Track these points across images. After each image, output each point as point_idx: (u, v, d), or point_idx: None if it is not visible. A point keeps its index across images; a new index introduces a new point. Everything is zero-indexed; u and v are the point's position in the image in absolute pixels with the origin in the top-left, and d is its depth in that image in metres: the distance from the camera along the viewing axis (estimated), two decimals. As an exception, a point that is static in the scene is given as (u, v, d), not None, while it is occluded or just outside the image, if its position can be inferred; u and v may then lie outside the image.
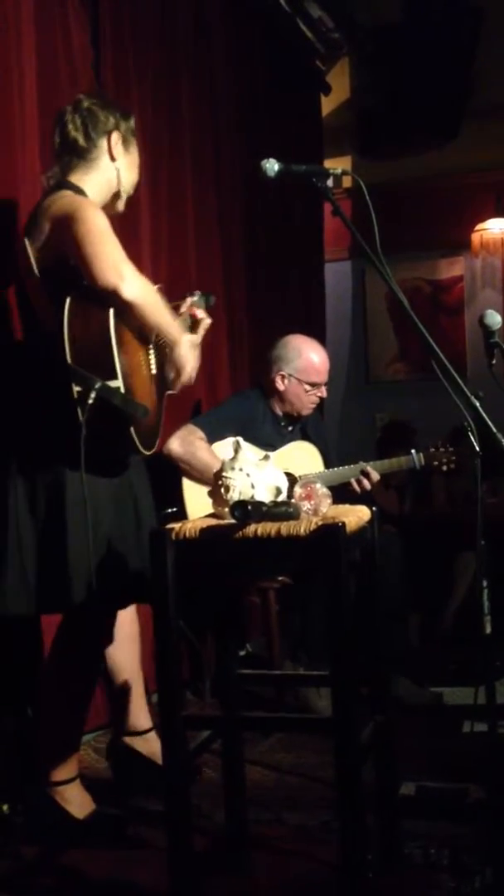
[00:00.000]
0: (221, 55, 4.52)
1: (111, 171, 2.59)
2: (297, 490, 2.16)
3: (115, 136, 2.58)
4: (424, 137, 6.01)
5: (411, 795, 2.65)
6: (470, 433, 2.44)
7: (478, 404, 2.46)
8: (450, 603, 4.99)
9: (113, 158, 2.59)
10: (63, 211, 2.41)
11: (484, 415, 2.47)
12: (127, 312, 2.37)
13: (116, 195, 2.63)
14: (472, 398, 2.47)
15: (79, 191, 2.52)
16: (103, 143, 2.57)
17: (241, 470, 2.17)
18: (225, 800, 2.41)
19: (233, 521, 2.08)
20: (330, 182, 2.76)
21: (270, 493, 2.16)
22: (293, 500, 2.14)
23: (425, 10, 5.78)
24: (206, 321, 2.80)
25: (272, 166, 2.66)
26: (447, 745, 3.14)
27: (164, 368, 2.62)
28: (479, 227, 5.96)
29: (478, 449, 2.44)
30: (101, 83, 3.51)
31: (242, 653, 4.31)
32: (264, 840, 2.48)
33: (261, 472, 2.17)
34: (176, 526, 2.12)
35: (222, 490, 2.15)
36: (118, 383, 2.32)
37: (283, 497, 2.17)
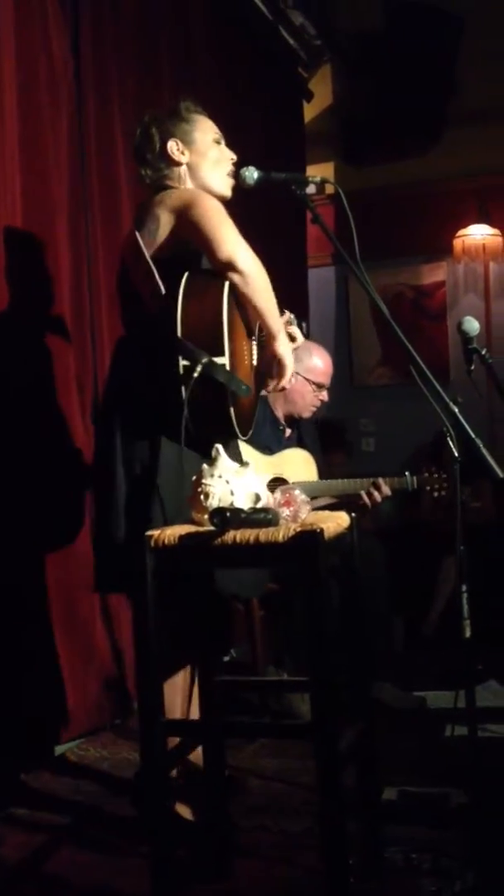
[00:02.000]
0: (203, 62, 4.53)
1: (186, 173, 2.68)
2: (276, 496, 2.17)
3: (172, 144, 2.65)
4: (406, 144, 6.04)
5: (393, 800, 2.66)
6: (449, 439, 2.46)
7: (456, 410, 2.48)
8: (434, 607, 5.01)
9: (178, 164, 2.66)
10: (181, 200, 2.54)
11: (462, 420, 2.48)
12: (239, 297, 2.46)
13: (214, 182, 2.68)
14: (451, 404, 2.48)
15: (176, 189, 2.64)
16: (169, 154, 2.65)
17: (220, 477, 2.18)
18: (208, 806, 2.41)
19: (212, 527, 2.08)
20: (312, 189, 2.78)
21: (250, 499, 2.16)
22: (272, 507, 2.14)
23: (407, 17, 5.80)
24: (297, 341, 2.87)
25: (251, 174, 2.68)
26: (429, 749, 3.15)
27: (263, 364, 2.67)
28: (460, 232, 5.99)
29: (457, 454, 2.46)
30: (81, 89, 3.51)
31: (227, 658, 4.31)
32: (247, 846, 2.48)
33: (240, 479, 2.18)
34: (155, 533, 2.13)
35: (201, 497, 2.16)
36: (224, 360, 2.38)
37: (262, 504, 2.17)
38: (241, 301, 2.50)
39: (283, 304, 2.92)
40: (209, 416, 2.40)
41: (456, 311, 6.08)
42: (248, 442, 2.95)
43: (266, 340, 2.63)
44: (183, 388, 2.35)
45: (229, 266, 2.43)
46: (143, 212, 2.62)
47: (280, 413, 3.72)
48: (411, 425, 5.10)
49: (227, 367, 2.39)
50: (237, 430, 2.46)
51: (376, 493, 3.55)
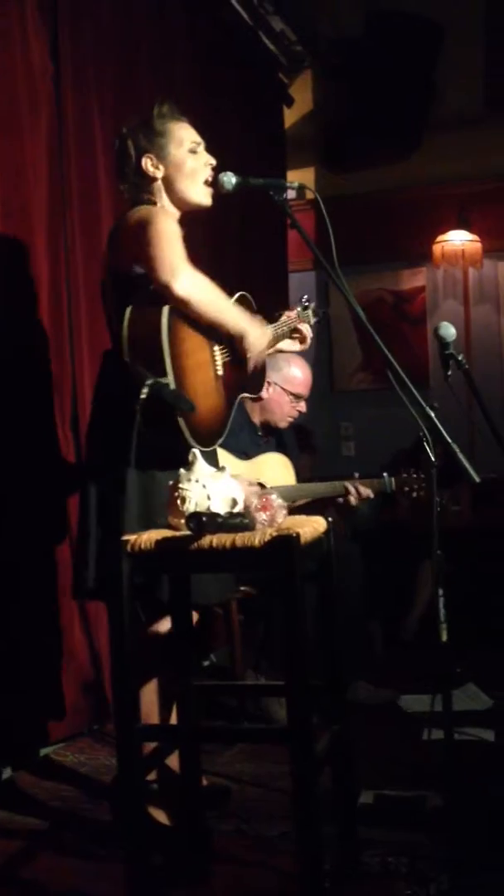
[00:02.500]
0: (183, 67, 4.54)
1: (162, 187, 2.70)
2: (253, 501, 2.17)
3: (145, 161, 2.67)
4: (386, 150, 6.05)
5: (370, 803, 2.67)
6: (426, 443, 2.48)
7: (433, 415, 2.49)
8: (412, 611, 5.03)
9: (154, 179, 2.68)
10: (138, 219, 2.58)
11: (439, 425, 2.50)
12: (184, 311, 2.49)
13: (191, 194, 2.71)
14: (428, 409, 2.50)
15: (150, 204, 2.66)
16: (144, 170, 2.68)
17: (197, 481, 2.18)
18: (184, 811, 2.41)
19: (188, 532, 2.09)
20: (293, 194, 2.80)
21: (226, 504, 2.17)
22: (249, 511, 2.15)
23: (387, 24, 5.84)
24: (307, 334, 2.95)
25: (230, 179, 2.70)
26: (406, 752, 3.16)
27: (234, 369, 2.69)
28: (440, 238, 6.01)
29: (433, 459, 2.48)
30: (60, 95, 3.50)
31: (206, 663, 4.32)
32: (224, 851, 2.48)
33: (217, 484, 2.18)
34: (131, 537, 2.13)
35: (178, 501, 2.16)
36: (168, 380, 2.43)
37: (239, 508, 2.18)
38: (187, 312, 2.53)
39: (263, 308, 2.94)
40: (164, 433, 2.45)
41: (436, 316, 6.11)
42: (225, 447, 2.96)
43: (236, 344, 2.65)
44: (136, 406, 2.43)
45: (166, 291, 2.45)
46: (115, 227, 2.66)
47: (257, 420, 3.72)
48: (391, 430, 5.11)
49: (172, 386, 2.42)
50: (193, 442, 2.47)
51: (361, 488, 3.55)
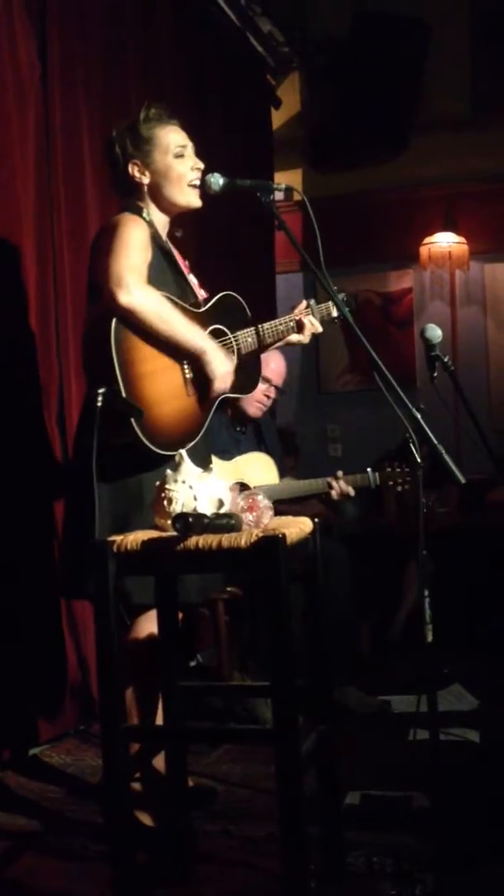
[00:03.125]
0: (171, 68, 4.54)
1: (148, 192, 2.73)
2: (239, 502, 2.18)
3: (132, 167, 2.71)
4: (374, 151, 6.08)
5: (356, 804, 2.67)
6: (412, 445, 2.48)
7: (419, 416, 2.50)
8: (399, 612, 5.04)
9: (142, 184, 2.71)
10: (107, 227, 2.63)
11: (425, 427, 2.50)
12: (132, 322, 2.52)
13: (178, 199, 2.73)
14: (414, 410, 2.50)
15: (135, 208, 2.69)
16: (131, 176, 2.72)
17: (183, 482, 2.18)
18: (170, 811, 2.41)
19: (174, 533, 2.09)
20: (280, 195, 2.81)
21: (213, 505, 2.17)
22: (235, 512, 2.15)
23: (374, 25, 5.86)
24: (310, 327, 2.97)
25: (217, 181, 2.71)
26: (393, 753, 3.17)
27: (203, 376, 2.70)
28: (427, 240, 6.03)
29: (419, 460, 2.48)
30: (47, 94, 3.50)
31: (193, 664, 4.31)
32: (209, 852, 2.48)
33: (203, 484, 2.18)
34: (118, 538, 2.13)
35: (164, 502, 2.16)
36: (118, 387, 2.47)
37: (225, 509, 2.18)
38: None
39: (251, 309, 2.94)
40: (123, 438, 2.49)
41: (423, 317, 6.13)
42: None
43: (196, 361, 2.66)
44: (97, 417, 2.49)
45: (111, 300, 2.49)
46: (96, 233, 2.72)
47: (228, 412, 3.70)
48: (378, 431, 5.11)
49: (123, 394, 2.46)
50: (150, 445, 2.50)
51: (343, 484, 3.55)
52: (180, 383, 2.64)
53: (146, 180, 2.71)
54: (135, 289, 2.49)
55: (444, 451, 2.56)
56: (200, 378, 2.67)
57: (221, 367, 2.67)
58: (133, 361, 2.52)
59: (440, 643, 2.44)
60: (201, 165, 2.76)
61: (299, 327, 2.97)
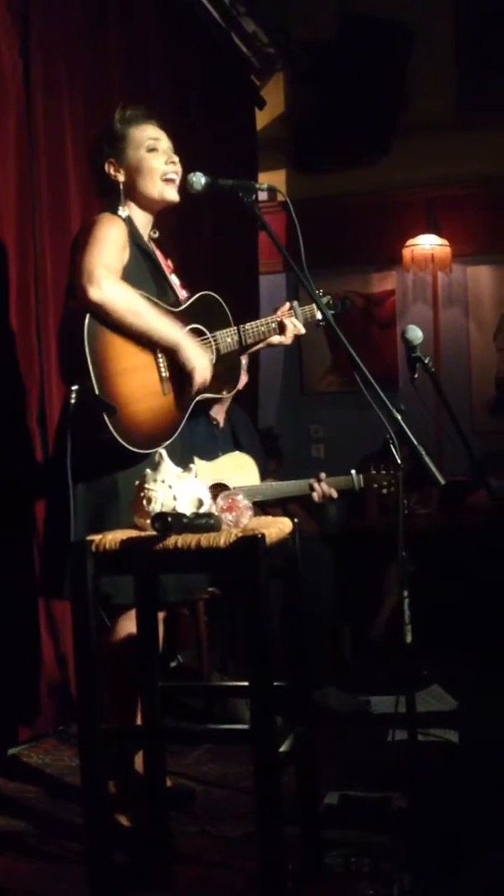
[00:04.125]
0: (154, 67, 4.53)
1: (124, 190, 2.74)
2: (219, 502, 2.17)
3: (108, 167, 2.73)
4: (357, 153, 6.08)
5: (334, 804, 2.67)
6: (392, 446, 2.49)
7: (399, 418, 2.51)
8: (381, 613, 5.04)
9: (118, 182, 2.73)
10: (84, 226, 2.67)
11: (406, 428, 2.51)
12: (105, 318, 2.52)
13: (153, 192, 2.73)
14: (395, 411, 2.51)
15: (113, 208, 2.70)
16: (107, 174, 2.74)
17: (163, 482, 2.18)
18: (148, 812, 2.40)
19: (154, 532, 2.08)
20: (264, 195, 2.81)
21: (192, 504, 2.17)
22: (214, 512, 2.15)
23: (359, 27, 5.87)
24: (291, 328, 2.96)
25: (199, 180, 2.70)
26: (372, 753, 3.17)
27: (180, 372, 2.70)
28: (409, 242, 6.04)
29: (399, 461, 2.49)
30: (30, 92, 3.49)
31: (173, 664, 4.31)
32: (187, 852, 2.48)
33: (183, 484, 2.18)
34: (96, 538, 2.12)
35: (144, 502, 2.16)
36: (91, 383, 2.47)
37: (205, 509, 2.18)
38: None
39: (233, 310, 2.94)
40: (97, 435, 2.49)
41: (405, 319, 6.14)
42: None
43: (172, 356, 2.66)
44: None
45: (82, 297, 2.50)
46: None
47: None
48: (361, 432, 5.12)
49: (97, 390, 2.47)
50: (124, 443, 2.50)
51: (324, 486, 3.55)
52: (156, 381, 2.63)
53: (121, 178, 2.73)
54: (105, 284, 2.49)
55: (424, 453, 2.57)
56: (178, 376, 2.66)
57: (199, 360, 2.66)
58: (107, 359, 2.52)
59: (420, 644, 2.45)
60: (176, 159, 2.76)
61: (281, 329, 2.97)
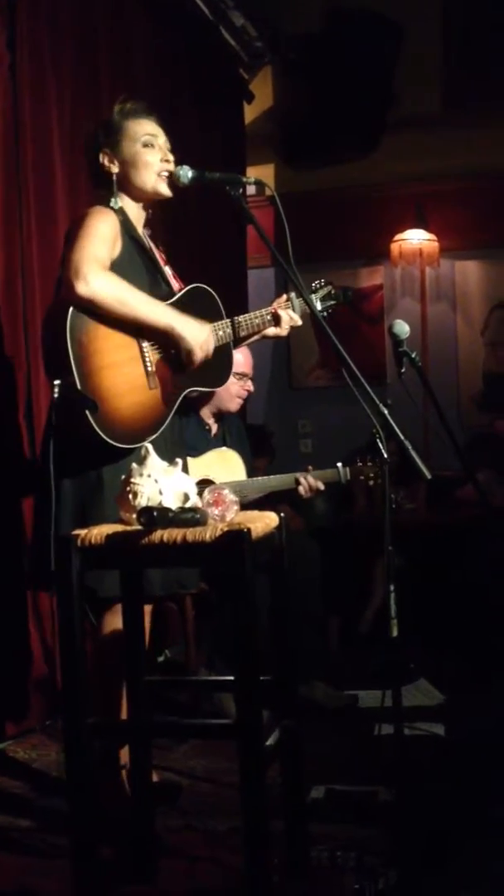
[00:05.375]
0: (142, 60, 4.51)
1: (118, 182, 2.73)
2: (205, 496, 2.17)
3: (102, 157, 2.73)
4: (345, 147, 6.08)
5: (320, 798, 2.67)
6: (378, 440, 2.49)
7: (386, 412, 2.51)
8: (369, 606, 5.05)
9: (112, 173, 2.72)
10: (75, 219, 2.66)
11: (392, 422, 2.51)
12: (93, 311, 2.51)
13: (146, 186, 2.73)
14: (381, 406, 2.51)
15: (105, 200, 2.70)
16: (101, 165, 2.74)
17: (149, 476, 2.17)
18: (133, 807, 2.40)
19: (139, 527, 2.08)
20: (252, 189, 2.80)
21: (178, 499, 2.16)
22: (201, 506, 2.14)
23: (347, 22, 5.86)
24: (287, 320, 2.96)
25: (186, 173, 2.71)
26: (358, 747, 3.18)
27: (173, 362, 2.68)
28: (398, 237, 6.04)
29: (385, 456, 2.49)
30: (17, 85, 3.47)
31: (161, 658, 4.31)
32: (173, 847, 2.48)
33: (169, 479, 2.17)
34: (81, 532, 2.11)
35: (130, 496, 2.15)
36: (73, 378, 2.46)
37: (191, 503, 2.17)
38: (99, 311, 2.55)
39: (222, 304, 2.93)
40: (80, 430, 2.48)
41: (393, 314, 6.13)
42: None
43: (168, 338, 2.65)
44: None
45: (70, 291, 2.49)
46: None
47: (207, 411, 3.70)
48: (349, 427, 5.12)
49: (79, 385, 2.46)
50: (107, 438, 2.50)
51: (311, 480, 3.55)
52: (142, 376, 2.62)
53: (115, 169, 2.72)
54: (92, 278, 2.48)
55: (410, 447, 2.58)
56: (163, 369, 2.65)
57: (197, 336, 2.66)
58: (91, 353, 2.51)
59: (407, 638, 2.46)
60: (171, 157, 2.75)
61: (276, 320, 2.96)
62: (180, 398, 2.71)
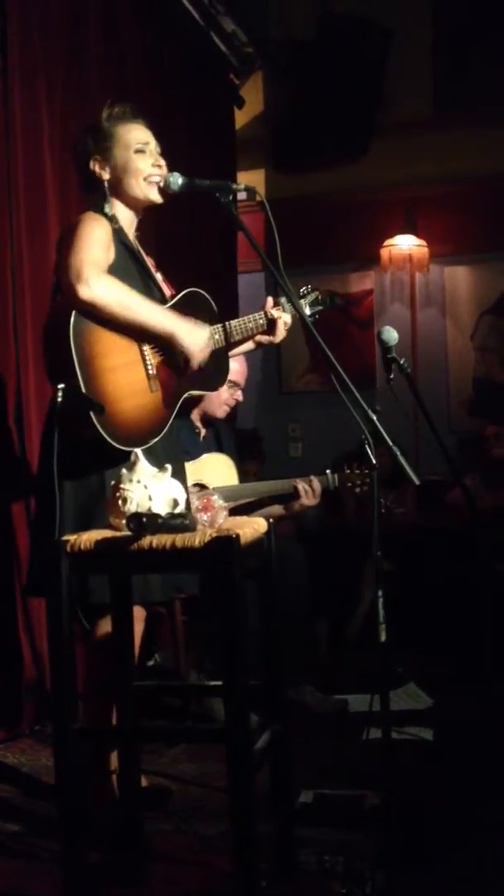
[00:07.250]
0: (133, 65, 4.52)
1: (109, 188, 2.74)
2: (194, 502, 2.18)
3: (93, 163, 2.73)
4: (335, 153, 6.09)
5: (309, 803, 2.68)
6: (367, 446, 2.50)
7: (374, 418, 2.52)
8: (358, 610, 5.06)
9: (103, 180, 2.72)
10: (69, 225, 2.66)
11: (380, 428, 2.52)
12: (95, 315, 2.51)
13: (137, 192, 2.74)
14: (370, 411, 2.52)
15: (97, 206, 2.70)
16: (92, 171, 2.74)
17: (138, 482, 2.18)
18: (122, 811, 2.41)
19: (129, 532, 2.09)
20: (243, 195, 2.81)
21: (167, 504, 2.17)
22: (190, 512, 2.16)
23: (337, 27, 5.89)
24: (281, 323, 2.97)
25: (176, 180, 2.72)
26: (347, 751, 3.19)
27: (173, 365, 2.69)
28: (387, 242, 6.06)
29: (374, 461, 2.50)
30: (7, 89, 3.47)
31: (151, 663, 4.31)
32: (162, 850, 2.48)
33: (158, 484, 2.18)
34: (71, 538, 2.12)
35: (119, 502, 2.16)
36: (77, 382, 2.46)
37: (180, 509, 2.18)
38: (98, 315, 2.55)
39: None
40: (84, 434, 2.48)
41: (383, 319, 6.16)
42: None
43: (167, 344, 2.66)
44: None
45: (71, 296, 2.50)
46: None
47: (196, 414, 3.71)
48: (339, 431, 5.13)
49: (83, 389, 2.46)
50: (112, 441, 2.50)
51: (315, 483, 3.56)
52: (143, 379, 2.63)
53: (106, 176, 2.72)
54: (94, 281, 2.49)
55: (399, 453, 2.58)
56: (164, 372, 2.66)
57: (196, 341, 2.68)
58: (94, 356, 2.52)
59: (396, 642, 2.46)
60: (162, 163, 2.76)
61: (270, 326, 2.96)
62: (181, 401, 2.72)
